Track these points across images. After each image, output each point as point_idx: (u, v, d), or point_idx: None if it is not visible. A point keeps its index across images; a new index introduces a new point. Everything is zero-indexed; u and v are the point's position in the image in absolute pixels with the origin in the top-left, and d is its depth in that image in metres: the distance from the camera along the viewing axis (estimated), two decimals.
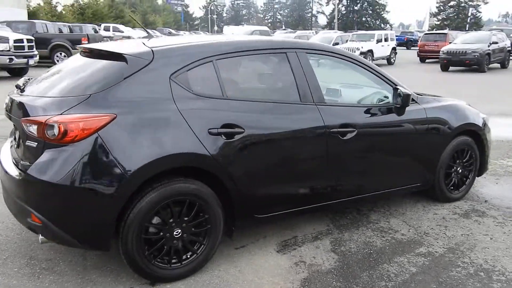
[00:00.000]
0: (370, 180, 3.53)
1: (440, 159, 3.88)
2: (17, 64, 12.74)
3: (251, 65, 3.06)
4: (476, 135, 4.11)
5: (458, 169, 4.08)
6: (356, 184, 3.45)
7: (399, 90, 3.43)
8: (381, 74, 3.58)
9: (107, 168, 2.38)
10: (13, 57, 12.49)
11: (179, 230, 2.66)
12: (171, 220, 2.63)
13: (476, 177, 4.40)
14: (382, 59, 21.89)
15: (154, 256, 2.62)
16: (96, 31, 23.26)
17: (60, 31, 20.47)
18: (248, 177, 2.83)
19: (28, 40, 13.32)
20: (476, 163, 4.18)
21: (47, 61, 18.03)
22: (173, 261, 2.70)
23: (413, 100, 3.65)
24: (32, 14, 29.67)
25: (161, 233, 2.62)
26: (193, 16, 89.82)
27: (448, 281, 2.81)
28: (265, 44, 3.18)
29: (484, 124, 4.20)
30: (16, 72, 13.60)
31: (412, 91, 3.84)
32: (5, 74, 13.85)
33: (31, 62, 13.24)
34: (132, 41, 3.26)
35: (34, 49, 13.71)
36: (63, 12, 34.54)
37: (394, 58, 22.76)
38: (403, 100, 3.40)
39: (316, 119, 3.08)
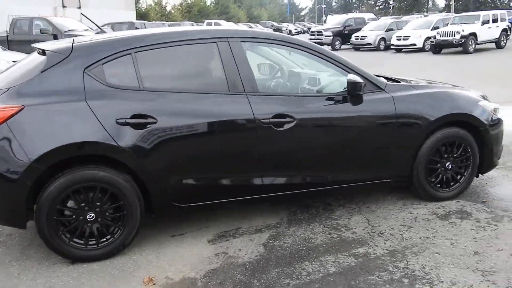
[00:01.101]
0: (321, 174, 3.33)
1: (418, 153, 3.50)
2: None
3: (176, 56, 3.08)
4: (472, 127, 3.61)
5: (447, 164, 3.63)
6: (302, 176, 3.29)
7: (347, 77, 3.18)
8: (335, 60, 3.34)
9: (12, 155, 2.64)
10: None
11: (93, 214, 2.83)
12: (83, 204, 2.81)
13: (480, 175, 3.88)
14: (490, 42, 19.64)
15: (69, 237, 2.83)
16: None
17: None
18: (163, 167, 2.90)
19: None
20: (473, 159, 3.68)
21: None
22: (91, 243, 2.89)
23: (378, 87, 3.36)
24: (144, 15, 32.44)
25: (74, 216, 2.82)
26: (299, 7, 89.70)
27: (360, 285, 2.58)
28: (194, 34, 3.19)
29: (490, 115, 3.65)
30: None
31: (385, 78, 3.54)
32: None
33: None
34: (78, 38, 3.49)
35: None
36: (172, 11, 37.10)
37: (505, 41, 20.25)
38: (348, 89, 3.15)
39: (244, 110, 3.02)
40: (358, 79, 3.17)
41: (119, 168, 2.85)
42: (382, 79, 3.51)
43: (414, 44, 20.69)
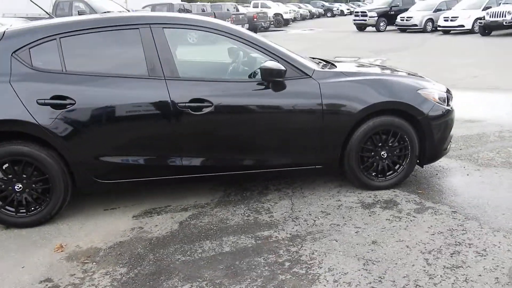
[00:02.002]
0: (244, 157, 3.43)
1: (349, 141, 3.49)
2: None
3: (99, 41, 3.26)
4: (409, 116, 3.54)
5: (382, 153, 3.60)
6: (225, 160, 3.40)
7: (262, 64, 3.23)
8: (260, 46, 3.38)
9: None
10: None
11: (20, 185, 3.14)
12: (10, 176, 3.12)
13: (424, 165, 3.82)
14: None
15: (1, 205, 3.16)
16: (237, 9, 24.57)
17: (203, 10, 22.42)
18: (82, 145, 3.13)
19: None
20: (412, 149, 3.61)
21: None
22: (21, 211, 3.20)
23: (305, 74, 3.38)
24: None
25: (3, 186, 3.14)
26: None
27: (241, 265, 2.70)
28: (118, 20, 3.36)
29: (432, 104, 3.56)
30: None
31: (316, 64, 3.55)
32: None
33: None
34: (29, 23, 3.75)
35: None
36: None
37: None
38: (262, 76, 3.20)
39: (161, 94, 3.17)
40: (273, 65, 3.21)
41: (46, 145, 3.11)
42: (310, 65, 3.50)
43: (462, 26, 19.60)
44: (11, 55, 3.10)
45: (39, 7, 4.74)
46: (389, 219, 3.20)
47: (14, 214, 3.19)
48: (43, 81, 3.08)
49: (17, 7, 16.31)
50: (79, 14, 14.66)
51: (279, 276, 2.57)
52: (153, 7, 20.05)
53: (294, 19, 35.86)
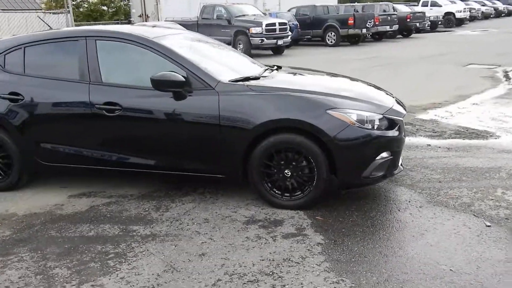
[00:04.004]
0: (152, 158, 3.77)
1: (251, 156, 3.51)
2: (266, 44, 15.49)
3: (50, 50, 3.96)
4: (314, 136, 3.38)
5: (285, 172, 3.51)
6: (136, 158, 3.80)
7: (153, 75, 3.47)
8: (169, 56, 3.63)
9: None
10: (264, 38, 15.27)
11: None
12: None
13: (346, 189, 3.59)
14: None
15: None
16: (394, 9, 23.43)
17: (356, 10, 22.17)
18: (26, 132, 3.93)
19: (280, 24, 15.81)
20: (319, 172, 3.42)
21: (319, 41, 20.38)
22: None
23: (208, 85, 3.56)
24: None
25: None
26: None
27: (78, 248, 3.11)
28: (67, 33, 4.04)
29: (344, 125, 3.33)
30: (278, 51, 16.51)
31: (224, 76, 3.66)
32: (270, 52, 17.02)
33: (280, 42, 15.71)
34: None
35: (287, 31, 16.10)
36: None
37: None
38: (153, 85, 3.48)
39: (84, 95, 3.76)
40: (165, 76, 3.43)
41: (5, 130, 4.00)
42: (219, 77, 3.57)
43: None
44: None
45: (46, 23, 5.84)
46: (249, 237, 3.17)
47: None
48: (7, 80, 3.97)
49: (178, 13, 18.85)
50: (217, 18, 16.27)
51: (91, 263, 2.90)
52: (298, 9, 20.70)
53: (474, 18, 32.36)
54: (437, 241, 3.00)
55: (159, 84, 3.48)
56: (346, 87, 4.02)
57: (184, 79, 3.49)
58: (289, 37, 16.24)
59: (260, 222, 3.40)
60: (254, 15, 16.39)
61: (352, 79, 4.54)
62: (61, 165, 4.02)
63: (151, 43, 3.72)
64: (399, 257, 2.83)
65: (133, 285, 2.65)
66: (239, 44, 15.69)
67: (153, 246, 3.09)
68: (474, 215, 3.37)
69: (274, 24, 15.57)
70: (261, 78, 3.91)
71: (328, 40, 19.46)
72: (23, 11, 14.76)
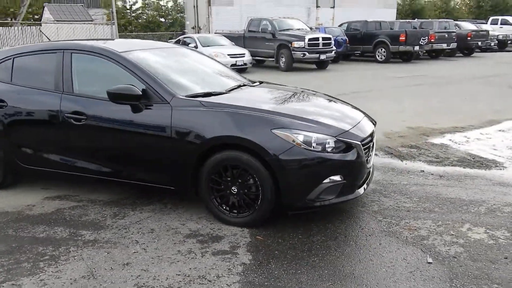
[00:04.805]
0: (113, 167, 3.92)
1: (201, 170, 3.55)
2: (308, 58, 15.42)
3: (34, 62, 4.21)
4: (258, 155, 3.36)
5: (232, 188, 3.51)
6: (100, 165, 3.96)
7: (109, 88, 3.61)
8: (131, 69, 3.76)
9: None
10: (306, 52, 15.22)
11: None
12: None
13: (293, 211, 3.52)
14: None
15: None
16: (458, 27, 22.34)
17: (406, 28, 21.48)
18: (9, 135, 4.23)
19: (324, 38, 15.68)
20: (263, 191, 3.37)
21: (370, 57, 19.95)
22: None
23: (164, 99, 3.64)
24: (418, 11, 31.47)
25: None
26: None
27: (22, 247, 3.30)
28: (49, 46, 4.30)
29: (289, 146, 3.26)
30: (321, 65, 16.41)
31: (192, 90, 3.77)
32: (314, 66, 16.93)
33: (323, 57, 15.56)
34: None
35: (331, 46, 15.93)
36: (457, 6, 34.27)
37: None
38: (109, 98, 3.62)
39: (56, 104, 3.99)
40: (120, 89, 3.55)
41: None
42: (171, 91, 3.63)
43: None
44: None
45: (47, 37, 6.17)
46: (180, 251, 3.19)
47: None
48: None
49: (228, 26, 19.35)
50: (261, 31, 16.46)
51: (24, 263, 3.06)
52: (349, 24, 20.42)
53: None
54: (364, 273, 2.85)
55: (115, 97, 3.62)
56: (311, 108, 3.94)
57: (140, 93, 3.59)
58: (333, 52, 16.03)
59: (200, 236, 3.41)
60: (299, 29, 16.40)
61: (330, 100, 4.42)
62: (38, 168, 4.26)
63: (118, 57, 3.88)
64: (311, 286, 2.72)
65: (47, 287, 2.76)
66: (282, 57, 15.75)
67: (88, 252, 3.20)
68: (421, 249, 3.15)
69: (317, 39, 15.48)
70: (224, 94, 3.93)
71: (378, 56, 19.00)
72: (73, 22, 15.83)
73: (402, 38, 18.06)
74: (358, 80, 13.46)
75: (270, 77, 14.63)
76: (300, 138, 3.30)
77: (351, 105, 4.41)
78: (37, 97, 4.11)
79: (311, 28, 17.57)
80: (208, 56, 5.19)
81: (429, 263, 2.96)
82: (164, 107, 3.61)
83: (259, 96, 4.17)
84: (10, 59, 4.36)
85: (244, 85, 4.42)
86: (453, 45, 20.18)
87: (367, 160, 3.72)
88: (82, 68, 4.05)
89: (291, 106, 3.82)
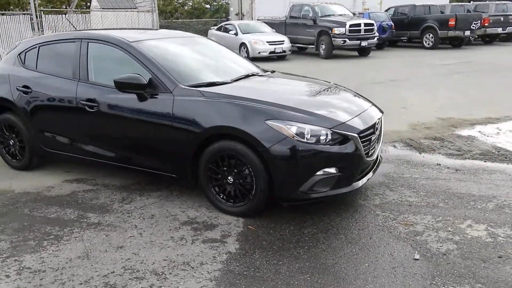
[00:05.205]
0: (122, 153, 4.10)
1: (200, 159, 3.65)
2: (349, 45, 15.06)
3: (60, 49, 4.44)
4: (252, 145, 3.41)
5: (229, 178, 3.59)
6: (112, 152, 4.16)
7: (116, 77, 3.76)
8: (140, 60, 3.89)
9: None
10: (346, 39, 14.89)
11: (12, 142, 4.83)
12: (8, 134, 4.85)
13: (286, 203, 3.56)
14: None
15: None
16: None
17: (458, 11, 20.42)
18: (33, 120, 4.53)
19: (366, 24, 15.24)
20: (257, 181, 3.41)
21: (417, 43, 19.19)
22: (14, 159, 4.92)
23: (167, 88, 3.75)
24: None
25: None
26: None
27: (33, 226, 3.56)
28: (69, 35, 4.51)
29: (281, 137, 3.28)
30: (363, 52, 16.02)
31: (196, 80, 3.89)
32: (355, 53, 16.55)
33: (364, 43, 15.15)
34: None
35: (374, 32, 15.47)
36: None
37: None
38: (116, 86, 3.78)
39: (73, 92, 4.22)
40: (126, 78, 3.69)
41: (19, 116, 4.65)
42: (174, 80, 3.73)
43: None
44: (17, 56, 4.75)
45: (71, 24, 6.38)
46: (173, 237, 3.31)
47: (11, 159, 4.90)
48: (22, 74, 4.61)
49: (271, 13, 19.24)
50: (302, 18, 16.26)
51: (30, 241, 3.31)
52: (396, 8, 19.67)
53: None
54: (345, 267, 2.84)
55: (121, 86, 3.77)
56: (312, 99, 3.92)
57: (145, 83, 3.72)
58: (376, 38, 15.56)
59: (196, 224, 3.52)
60: (341, 15, 16.03)
61: (336, 91, 4.35)
62: (58, 152, 4.54)
63: (128, 46, 4.02)
64: (289, 277, 2.75)
65: (45, 264, 2.98)
66: (322, 44, 15.50)
67: (89, 233, 3.41)
68: (412, 246, 3.09)
69: (359, 25, 15.07)
70: (228, 83, 3.98)
71: (426, 42, 18.23)
72: (117, 9, 16.33)
73: (452, 22, 17.19)
74: (399, 68, 13.02)
75: (308, 64, 14.49)
76: (293, 129, 3.31)
77: (359, 95, 4.32)
78: (57, 84, 4.35)
79: (354, 14, 17.11)
80: (224, 46, 5.23)
81: (415, 259, 2.90)
82: (167, 96, 3.72)
83: (263, 87, 4.19)
84: (36, 47, 4.64)
85: (253, 75, 4.44)
86: (510, 29, 18.97)
87: (368, 152, 3.67)
88: (97, 57, 4.24)
89: (291, 97, 3.81)
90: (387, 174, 4.49)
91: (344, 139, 3.41)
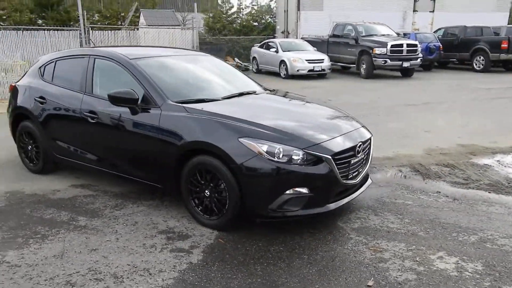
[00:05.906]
0: (115, 162, 4.36)
1: (182, 172, 3.83)
2: (390, 66, 14.80)
3: (72, 64, 4.80)
4: (225, 161, 3.53)
5: (206, 191, 3.73)
6: (107, 160, 4.44)
7: (110, 92, 4.02)
8: (135, 75, 4.15)
9: None
10: (387, 59, 14.67)
11: (30, 147, 5.26)
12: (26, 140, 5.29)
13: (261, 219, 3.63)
14: None
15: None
16: None
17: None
18: (47, 129, 4.92)
19: (409, 45, 14.93)
20: (230, 196, 3.52)
21: (467, 65, 18.49)
22: (32, 163, 5.35)
23: (156, 104, 3.97)
24: None
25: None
26: None
27: (25, 224, 3.87)
28: (81, 52, 4.87)
29: (253, 155, 3.38)
30: (406, 73, 15.70)
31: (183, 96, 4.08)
32: (398, 74, 16.23)
33: (406, 64, 14.83)
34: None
35: (417, 53, 15.11)
36: None
37: None
38: (109, 100, 4.04)
39: (78, 104, 4.56)
40: (119, 93, 3.95)
41: (35, 124, 5.07)
42: (164, 96, 3.93)
43: None
44: (38, 69, 5.20)
45: (91, 40, 6.74)
46: (145, 244, 3.47)
47: (29, 163, 5.33)
48: (41, 86, 5.03)
49: (316, 31, 19.38)
50: (343, 37, 16.21)
51: (19, 238, 3.60)
52: (446, 29, 19.08)
53: None
54: (293, 287, 2.86)
55: (115, 100, 4.03)
56: (295, 118, 3.94)
57: (136, 97, 3.96)
58: (419, 60, 15.19)
59: (171, 233, 3.67)
60: (384, 35, 15.81)
61: (326, 111, 4.39)
62: (67, 159, 4.89)
63: (127, 62, 4.30)
64: None
65: (22, 260, 3.24)
66: (362, 64, 15.36)
67: (71, 235, 3.65)
68: (370, 272, 3.05)
69: (401, 45, 14.80)
70: (217, 101, 4.14)
71: (476, 64, 17.51)
72: (160, 27, 17.08)
73: (504, 45, 16.43)
74: (439, 90, 12.62)
75: (345, 83, 14.39)
76: (264, 148, 3.39)
77: (348, 115, 4.33)
78: (67, 96, 4.71)
79: (398, 34, 16.80)
80: (230, 64, 5.41)
81: (367, 286, 2.87)
82: (156, 111, 3.94)
83: (250, 105, 4.28)
84: (54, 61, 5.05)
85: (248, 93, 4.57)
86: None
87: (347, 175, 3.67)
88: (101, 72, 4.56)
89: (272, 116, 3.89)
90: (379, 198, 4.42)
91: (318, 160, 3.44)
